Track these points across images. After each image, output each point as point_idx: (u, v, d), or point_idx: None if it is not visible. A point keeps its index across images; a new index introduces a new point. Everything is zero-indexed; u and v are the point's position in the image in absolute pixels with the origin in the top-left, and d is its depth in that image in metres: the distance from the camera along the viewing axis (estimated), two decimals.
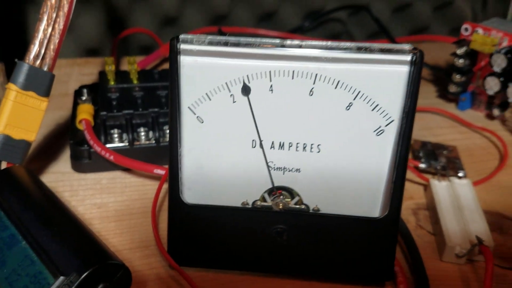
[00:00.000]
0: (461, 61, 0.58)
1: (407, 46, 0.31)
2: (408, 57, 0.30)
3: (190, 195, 0.34)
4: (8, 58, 0.60)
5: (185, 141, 0.33)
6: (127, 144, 0.44)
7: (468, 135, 0.55)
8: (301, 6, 0.82)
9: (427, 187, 0.43)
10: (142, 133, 0.45)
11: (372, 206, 0.33)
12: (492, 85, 0.54)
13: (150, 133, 0.45)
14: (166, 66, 0.66)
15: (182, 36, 0.31)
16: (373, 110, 0.31)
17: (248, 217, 0.34)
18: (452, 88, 0.59)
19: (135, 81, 0.50)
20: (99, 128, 0.45)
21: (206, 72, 0.32)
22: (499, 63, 0.53)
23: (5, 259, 0.30)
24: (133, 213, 0.40)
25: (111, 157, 0.42)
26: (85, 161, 0.44)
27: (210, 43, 0.31)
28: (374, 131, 0.32)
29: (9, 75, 0.61)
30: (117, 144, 0.44)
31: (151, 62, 0.63)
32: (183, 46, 0.31)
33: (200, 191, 0.34)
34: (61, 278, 0.27)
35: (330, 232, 0.33)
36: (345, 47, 0.31)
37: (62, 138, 0.50)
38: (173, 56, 0.31)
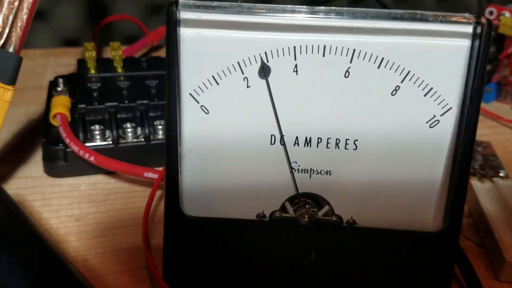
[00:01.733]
0: None
1: (468, 15, 0.24)
2: (469, 28, 0.24)
3: (192, 205, 0.27)
4: None
5: (185, 138, 0.26)
6: (110, 142, 0.37)
7: (498, 129, 0.49)
8: None
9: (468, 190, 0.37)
10: (129, 129, 0.37)
11: (423, 218, 0.26)
12: None
13: (139, 130, 0.38)
14: (153, 55, 0.59)
15: (182, 1, 0.24)
16: (425, 95, 0.25)
17: (265, 232, 0.27)
18: None
19: (119, 70, 0.42)
20: (77, 123, 0.37)
21: (213, 48, 0.25)
22: None
23: None
24: (119, 227, 0.33)
25: (92, 158, 0.34)
26: (60, 163, 0.37)
27: (219, 9, 0.24)
28: (427, 122, 0.25)
29: None
30: (99, 142, 0.37)
31: (136, 51, 0.56)
32: (184, 15, 0.24)
33: (204, 201, 0.27)
34: None
35: (369, 251, 0.26)
36: (393, 16, 0.24)
37: (35, 136, 0.42)
38: (171, 28, 0.24)
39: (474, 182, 0.36)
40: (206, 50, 0.25)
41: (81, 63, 0.43)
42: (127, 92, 0.40)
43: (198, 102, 0.25)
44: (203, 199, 0.27)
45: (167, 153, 0.25)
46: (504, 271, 0.30)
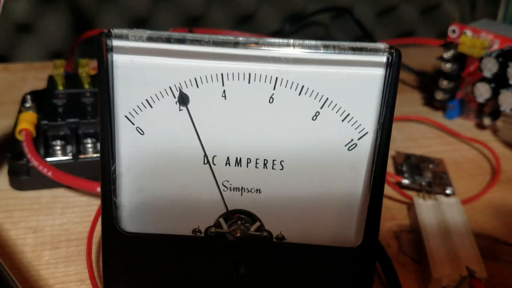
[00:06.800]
0: (448, 65, 0.53)
1: (382, 45, 0.26)
2: (383, 58, 0.26)
3: (130, 222, 0.28)
4: None
5: (122, 158, 0.28)
6: (70, 157, 0.39)
7: (457, 146, 0.50)
8: (281, 8, 0.78)
9: (410, 207, 0.38)
10: (89, 145, 0.39)
11: (344, 234, 0.28)
12: (482, 91, 0.50)
13: (99, 145, 0.40)
14: None
15: (115, 31, 0.26)
16: (343, 120, 0.27)
17: (199, 247, 0.28)
18: (439, 95, 0.55)
19: (86, 86, 0.44)
20: (40, 139, 0.39)
21: (146, 73, 0.26)
22: (489, 67, 0.49)
23: None
24: (72, 239, 0.35)
25: (49, 173, 0.36)
26: (23, 177, 0.39)
27: (150, 39, 0.26)
28: (346, 145, 0.27)
29: None
30: (59, 157, 0.39)
31: None
32: (116, 43, 0.26)
33: (142, 217, 0.28)
34: None
35: (296, 265, 0.28)
36: (310, 46, 0.26)
37: (5, 150, 0.44)
38: (103, 55, 0.26)
39: (417, 199, 0.38)
40: (139, 75, 0.26)
41: (51, 79, 0.45)
42: (91, 108, 0.42)
43: (133, 124, 0.27)
44: (141, 216, 0.28)
45: (102, 173, 0.27)
46: (431, 286, 0.31)
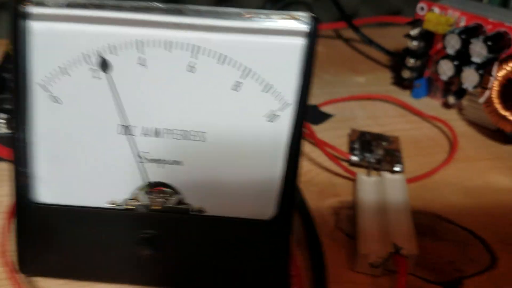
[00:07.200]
0: (414, 43, 0.52)
1: (303, 14, 0.25)
2: (304, 27, 0.25)
3: (43, 193, 0.28)
4: None
5: (37, 126, 0.27)
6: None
7: (419, 125, 0.49)
8: None
9: (355, 183, 0.38)
10: None
11: (263, 207, 0.27)
12: (446, 69, 0.49)
13: None
14: None
15: None
16: (265, 91, 0.26)
17: (115, 220, 0.28)
18: (406, 74, 0.54)
19: None
20: None
21: (63, 41, 0.26)
22: (452, 44, 0.48)
23: None
24: (2, 212, 0.34)
25: None
26: None
27: (69, 6, 0.25)
28: (267, 116, 0.26)
29: None
30: (3, 131, 0.38)
31: None
32: (33, 9, 0.25)
33: (56, 188, 0.28)
34: None
35: (213, 238, 0.28)
36: (231, 13, 0.25)
37: None
38: (18, 21, 0.25)
39: (360, 175, 0.37)
40: (55, 42, 0.26)
41: (6, 54, 0.45)
42: None
43: (48, 92, 0.26)
44: (55, 186, 0.28)
45: (13, 141, 0.26)
46: (357, 263, 0.31)
